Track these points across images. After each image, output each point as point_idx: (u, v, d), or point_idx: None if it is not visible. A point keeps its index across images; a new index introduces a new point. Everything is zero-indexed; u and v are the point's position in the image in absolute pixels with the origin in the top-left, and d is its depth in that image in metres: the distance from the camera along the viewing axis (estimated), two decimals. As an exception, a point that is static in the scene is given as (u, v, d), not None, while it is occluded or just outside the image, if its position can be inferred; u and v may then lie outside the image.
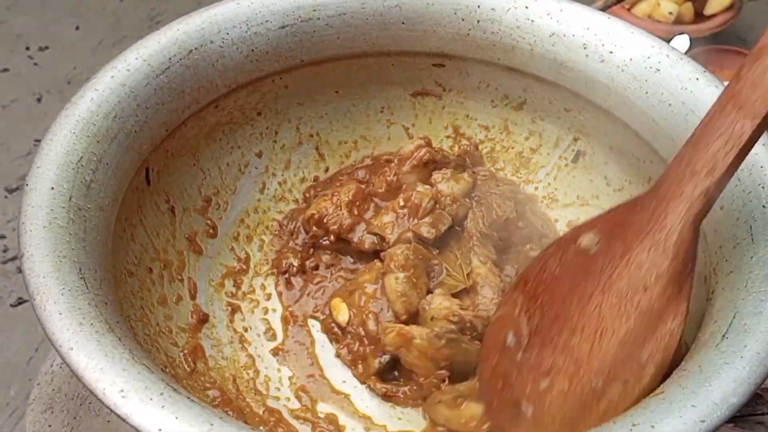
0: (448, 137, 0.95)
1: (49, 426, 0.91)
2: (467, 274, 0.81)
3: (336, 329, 0.83)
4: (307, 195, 0.93)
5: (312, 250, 0.89)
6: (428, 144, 0.89)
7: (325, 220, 0.86)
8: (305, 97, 0.91)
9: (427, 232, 0.81)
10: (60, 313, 0.58)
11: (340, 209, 0.85)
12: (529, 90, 0.90)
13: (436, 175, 0.86)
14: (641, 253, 0.65)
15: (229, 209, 0.89)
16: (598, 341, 0.66)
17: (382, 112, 0.95)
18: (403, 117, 0.95)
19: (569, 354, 0.67)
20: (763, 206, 0.68)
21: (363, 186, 0.88)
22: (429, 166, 0.88)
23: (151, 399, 0.53)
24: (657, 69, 0.79)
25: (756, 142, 0.61)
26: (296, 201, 0.93)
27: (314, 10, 0.85)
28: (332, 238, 0.86)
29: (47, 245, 0.62)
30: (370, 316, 0.80)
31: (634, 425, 0.53)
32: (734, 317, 0.60)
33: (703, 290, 0.71)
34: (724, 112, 0.61)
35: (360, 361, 0.80)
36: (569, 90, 0.86)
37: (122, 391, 0.54)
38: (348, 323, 0.81)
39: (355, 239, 0.85)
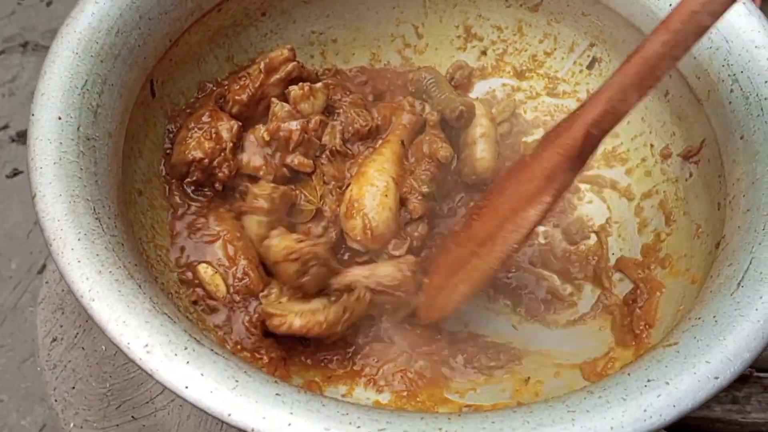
0: (459, 37, 0.92)
1: (61, 326, 0.92)
2: (321, 196, 0.80)
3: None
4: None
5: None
6: (295, 56, 0.82)
7: (216, 164, 0.77)
8: (311, -5, 0.88)
9: (300, 163, 0.78)
10: (78, 261, 0.57)
11: (224, 150, 0.77)
12: (546, -9, 0.86)
13: (295, 92, 0.80)
14: (547, 150, 0.68)
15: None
16: (487, 223, 0.72)
17: (393, 9, 0.91)
18: (412, 16, 0.91)
19: (468, 232, 0.74)
20: (787, 143, 0.67)
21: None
22: (294, 81, 0.82)
23: (175, 354, 0.54)
24: (683, -19, 0.76)
25: (671, 61, 0.61)
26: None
27: None
28: (219, 186, 0.78)
29: (59, 184, 0.61)
30: (249, 267, 0.75)
31: (649, 380, 0.54)
32: (750, 263, 0.61)
33: (716, 217, 0.72)
34: (655, 32, 0.61)
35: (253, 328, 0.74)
36: (588, -6, 0.82)
37: (147, 345, 0.54)
38: (227, 292, 0.74)
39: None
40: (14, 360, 1.35)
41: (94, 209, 0.61)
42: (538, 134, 0.88)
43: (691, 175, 0.77)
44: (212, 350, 0.55)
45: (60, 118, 0.64)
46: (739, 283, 0.60)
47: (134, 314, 0.55)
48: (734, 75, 0.71)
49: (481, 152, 0.83)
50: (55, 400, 0.88)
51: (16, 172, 1.55)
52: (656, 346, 0.59)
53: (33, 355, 1.35)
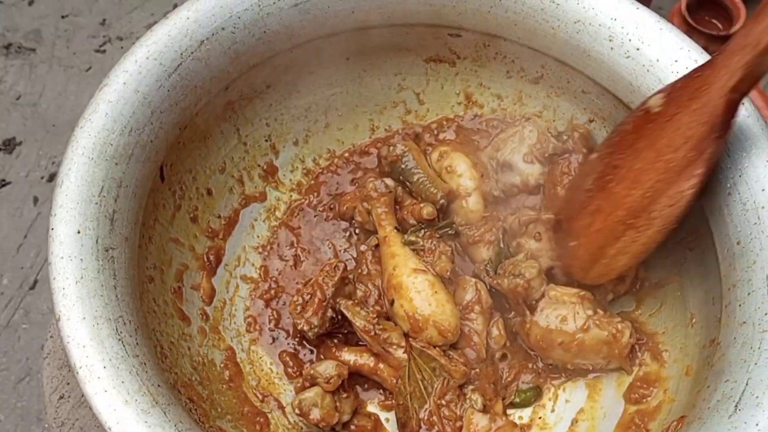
0: (459, 104, 0.93)
1: (68, 384, 0.93)
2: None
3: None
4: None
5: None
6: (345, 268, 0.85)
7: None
8: (315, 66, 0.88)
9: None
10: (105, 391, 0.59)
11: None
12: (547, 67, 0.87)
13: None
14: (685, 115, 0.69)
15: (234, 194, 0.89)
16: (631, 191, 0.74)
17: (395, 76, 0.92)
18: (414, 82, 0.93)
19: (610, 199, 0.76)
20: (785, 258, 0.70)
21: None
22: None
23: (203, 491, 0.56)
24: (684, 75, 0.77)
25: None
26: (306, 177, 0.92)
27: (329, -14, 0.81)
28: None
29: (82, 306, 0.63)
30: None
31: None
32: (747, 384, 0.64)
33: (710, 311, 0.75)
34: None
35: None
36: (589, 77, 0.84)
37: (175, 482, 0.57)
38: None
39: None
40: (10, 379, 1.36)
41: (117, 329, 0.63)
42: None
43: (686, 260, 0.80)
44: (237, 481, 0.58)
45: (79, 232, 0.66)
46: (736, 406, 0.63)
47: (161, 449, 0.58)
48: (732, 178, 0.73)
49: (474, 205, 0.87)
50: (63, 458, 0.90)
51: (3, 183, 1.55)
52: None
53: (28, 375, 1.36)
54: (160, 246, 0.79)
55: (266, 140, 0.89)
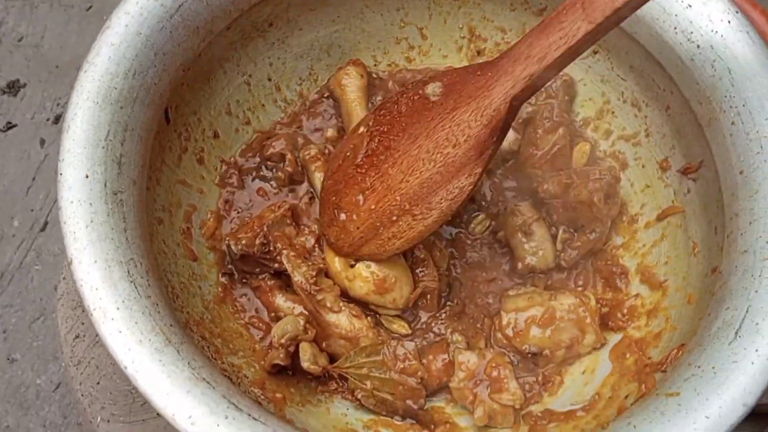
0: (463, 38, 0.93)
1: (82, 323, 0.95)
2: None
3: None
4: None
5: None
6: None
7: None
8: (317, 2, 0.88)
9: None
10: (120, 332, 0.61)
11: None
12: (551, -2, 0.87)
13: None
14: (465, 113, 0.72)
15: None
16: (407, 177, 0.76)
17: (398, 11, 0.91)
18: (417, 17, 0.92)
19: (385, 181, 0.77)
20: (789, 187, 0.70)
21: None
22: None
23: (218, 425, 0.58)
24: (689, 4, 0.77)
25: (590, 45, 0.65)
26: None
27: None
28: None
29: (93, 249, 0.64)
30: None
31: (655, 437, 0.60)
32: (747, 311, 0.65)
33: (713, 240, 0.76)
34: (573, 9, 0.64)
35: None
36: (593, 8, 0.83)
37: (190, 417, 0.58)
38: None
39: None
40: (24, 319, 1.39)
41: (129, 272, 0.64)
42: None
43: (689, 191, 0.81)
44: (249, 415, 0.60)
45: (87, 176, 0.66)
46: (736, 333, 0.64)
47: (176, 384, 0.59)
48: (736, 108, 0.73)
49: None
50: (82, 395, 0.92)
51: (10, 126, 1.55)
52: (659, 394, 0.64)
53: (42, 315, 1.39)
54: (168, 188, 0.80)
55: (269, 79, 0.89)
